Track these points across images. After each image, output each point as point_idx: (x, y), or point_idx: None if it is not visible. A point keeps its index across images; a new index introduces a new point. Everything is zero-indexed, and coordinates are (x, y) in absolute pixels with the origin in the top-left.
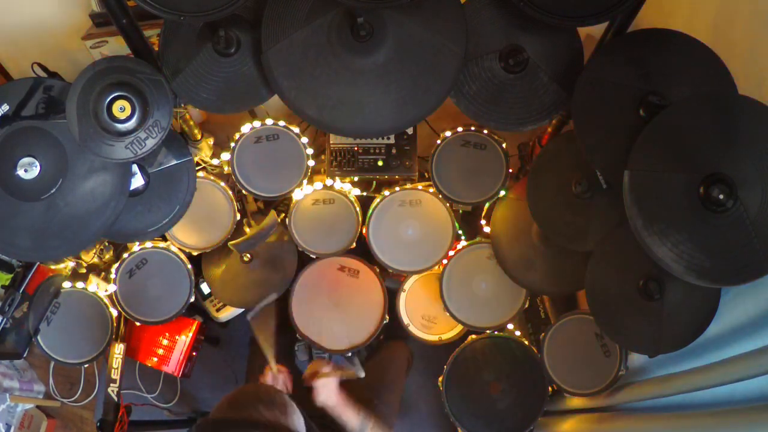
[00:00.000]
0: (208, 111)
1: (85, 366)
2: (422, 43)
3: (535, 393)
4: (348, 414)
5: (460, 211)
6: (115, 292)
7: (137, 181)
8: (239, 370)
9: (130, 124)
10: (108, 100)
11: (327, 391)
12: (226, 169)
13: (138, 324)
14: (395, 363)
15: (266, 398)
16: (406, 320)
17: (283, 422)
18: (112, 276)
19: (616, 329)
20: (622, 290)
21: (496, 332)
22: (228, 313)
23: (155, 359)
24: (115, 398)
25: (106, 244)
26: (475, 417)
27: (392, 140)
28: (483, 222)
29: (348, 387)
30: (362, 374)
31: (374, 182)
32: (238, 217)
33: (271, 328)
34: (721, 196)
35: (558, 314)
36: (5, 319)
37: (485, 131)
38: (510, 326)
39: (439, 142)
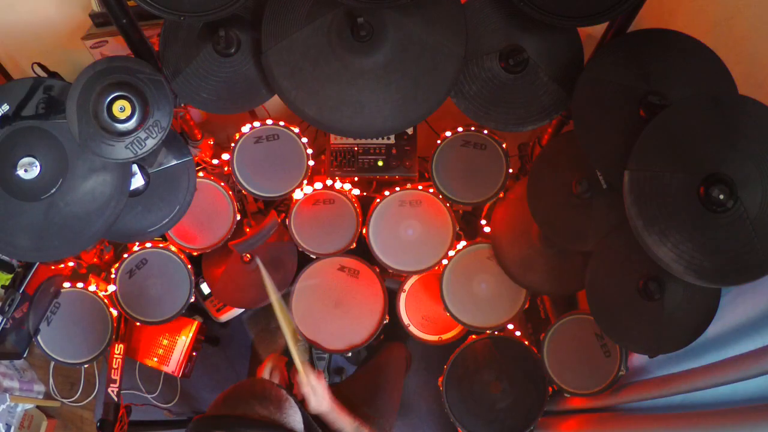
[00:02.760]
0: (208, 111)
1: (85, 366)
2: (422, 43)
3: (535, 393)
4: (343, 419)
5: (460, 211)
6: (115, 292)
7: (137, 181)
8: (239, 370)
9: (130, 124)
10: (108, 100)
11: (317, 397)
12: (226, 169)
13: (138, 324)
14: (393, 364)
15: (260, 394)
16: (406, 320)
17: (278, 419)
18: (112, 276)
19: (616, 329)
20: (622, 290)
21: (496, 332)
22: (228, 313)
23: (155, 359)
24: (115, 398)
25: (106, 244)
26: (475, 417)
27: (392, 140)
28: (483, 222)
29: (347, 388)
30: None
31: (374, 182)
32: (238, 217)
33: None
34: (721, 196)
35: (558, 314)
36: (5, 319)
37: (485, 131)
38: (510, 326)
39: (439, 142)
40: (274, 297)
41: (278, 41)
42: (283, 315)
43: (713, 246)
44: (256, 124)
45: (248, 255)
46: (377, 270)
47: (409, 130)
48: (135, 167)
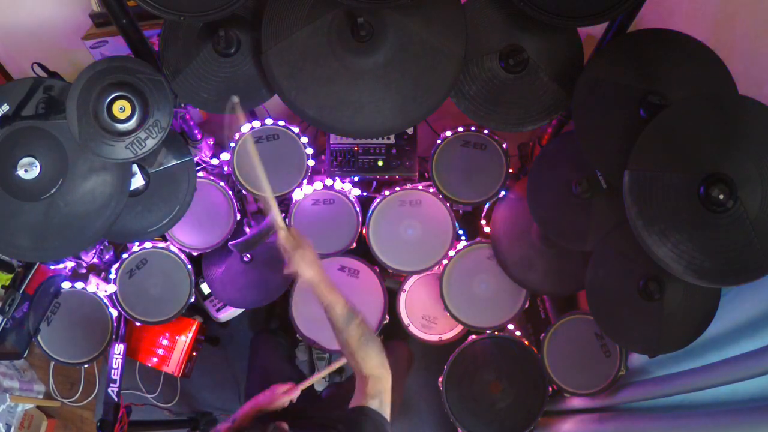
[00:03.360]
0: (208, 111)
1: (85, 366)
2: (422, 43)
3: (535, 393)
4: (334, 295)
5: (460, 211)
6: (115, 292)
7: (137, 181)
8: (239, 370)
9: (130, 124)
10: (108, 100)
11: (306, 263)
12: (226, 169)
13: (138, 324)
14: (395, 363)
15: None
16: (406, 320)
17: None
18: (112, 276)
19: (616, 329)
20: (622, 290)
21: (496, 332)
22: (228, 313)
23: (155, 359)
24: (115, 398)
25: (106, 244)
26: (475, 417)
27: (392, 140)
28: (483, 222)
29: (348, 388)
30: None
31: (374, 182)
32: (238, 217)
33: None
34: (721, 196)
35: (558, 314)
36: (5, 319)
37: (485, 131)
38: (510, 326)
39: (439, 142)
40: (254, 154)
41: (278, 41)
42: (265, 180)
43: (713, 246)
44: (256, 124)
45: (248, 255)
46: (377, 270)
47: (409, 130)
48: (135, 167)
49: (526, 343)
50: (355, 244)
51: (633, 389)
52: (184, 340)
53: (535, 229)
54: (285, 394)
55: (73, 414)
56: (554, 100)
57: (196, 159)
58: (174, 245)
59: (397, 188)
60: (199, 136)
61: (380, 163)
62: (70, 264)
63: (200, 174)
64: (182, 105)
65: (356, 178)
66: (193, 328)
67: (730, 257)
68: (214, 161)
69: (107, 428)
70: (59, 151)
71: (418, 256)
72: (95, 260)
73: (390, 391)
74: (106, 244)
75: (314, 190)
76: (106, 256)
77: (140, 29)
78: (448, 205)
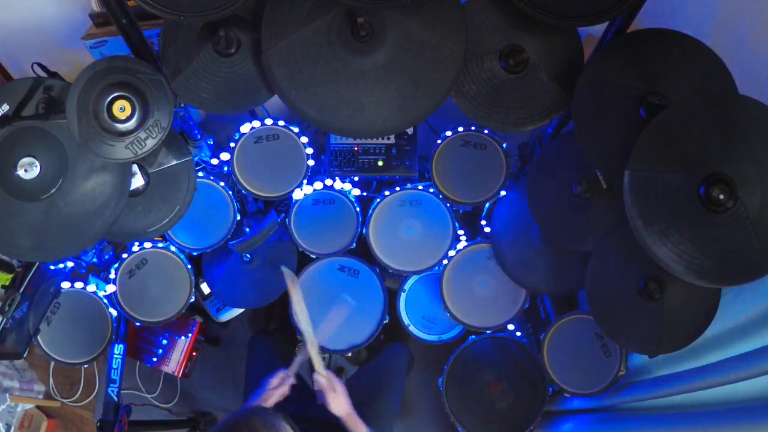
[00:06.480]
0: (208, 111)
1: (85, 366)
2: (422, 43)
3: (535, 393)
4: (361, 427)
5: (460, 211)
6: (115, 292)
7: (137, 181)
8: (239, 370)
9: (130, 124)
10: (108, 100)
11: (338, 400)
12: (226, 169)
13: (138, 324)
14: (395, 365)
15: None
16: (406, 320)
17: None
18: (112, 276)
19: (616, 329)
20: (622, 290)
21: (496, 332)
22: (228, 313)
23: (155, 359)
24: (115, 398)
25: (106, 244)
26: (474, 417)
27: (392, 140)
28: (483, 222)
29: (348, 389)
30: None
31: (374, 182)
32: (238, 217)
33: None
34: (721, 196)
35: (558, 314)
36: (5, 319)
37: (485, 131)
38: (510, 326)
39: (439, 142)
40: (300, 306)
41: (278, 41)
42: (306, 324)
43: (713, 246)
44: (256, 124)
45: (248, 255)
46: (377, 270)
47: (409, 130)
48: (135, 167)
49: (526, 343)
50: (355, 244)
51: (633, 389)
52: (184, 340)
53: (535, 229)
54: (280, 386)
55: (73, 414)
56: (554, 100)
57: (196, 159)
58: (174, 245)
59: (397, 188)
60: (199, 136)
61: (380, 163)
62: (70, 264)
63: (200, 174)
64: (182, 105)
65: (356, 178)
66: (193, 328)
67: (730, 257)
68: (214, 161)
69: (107, 428)
70: (59, 151)
71: (418, 256)
72: (95, 260)
73: None
74: (106, 244)
75: (314, 190)
76: (106, 256)
77: (140, 29)
78: (448, 205)
